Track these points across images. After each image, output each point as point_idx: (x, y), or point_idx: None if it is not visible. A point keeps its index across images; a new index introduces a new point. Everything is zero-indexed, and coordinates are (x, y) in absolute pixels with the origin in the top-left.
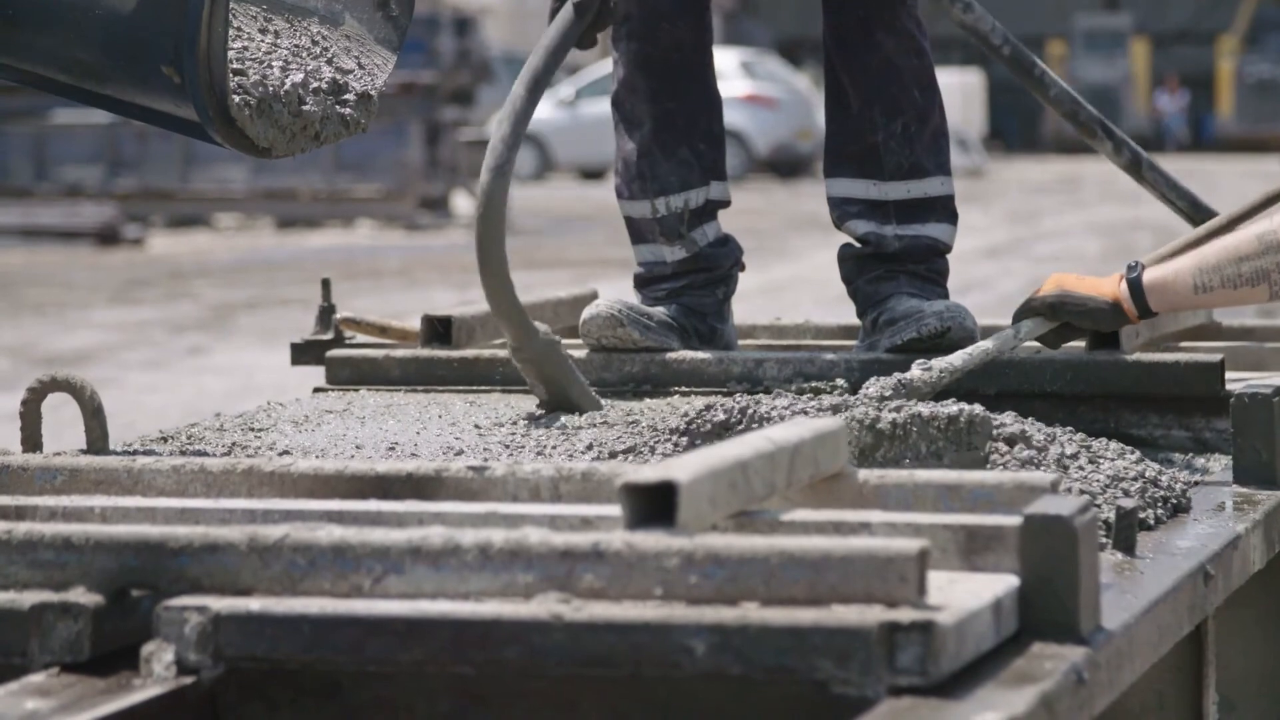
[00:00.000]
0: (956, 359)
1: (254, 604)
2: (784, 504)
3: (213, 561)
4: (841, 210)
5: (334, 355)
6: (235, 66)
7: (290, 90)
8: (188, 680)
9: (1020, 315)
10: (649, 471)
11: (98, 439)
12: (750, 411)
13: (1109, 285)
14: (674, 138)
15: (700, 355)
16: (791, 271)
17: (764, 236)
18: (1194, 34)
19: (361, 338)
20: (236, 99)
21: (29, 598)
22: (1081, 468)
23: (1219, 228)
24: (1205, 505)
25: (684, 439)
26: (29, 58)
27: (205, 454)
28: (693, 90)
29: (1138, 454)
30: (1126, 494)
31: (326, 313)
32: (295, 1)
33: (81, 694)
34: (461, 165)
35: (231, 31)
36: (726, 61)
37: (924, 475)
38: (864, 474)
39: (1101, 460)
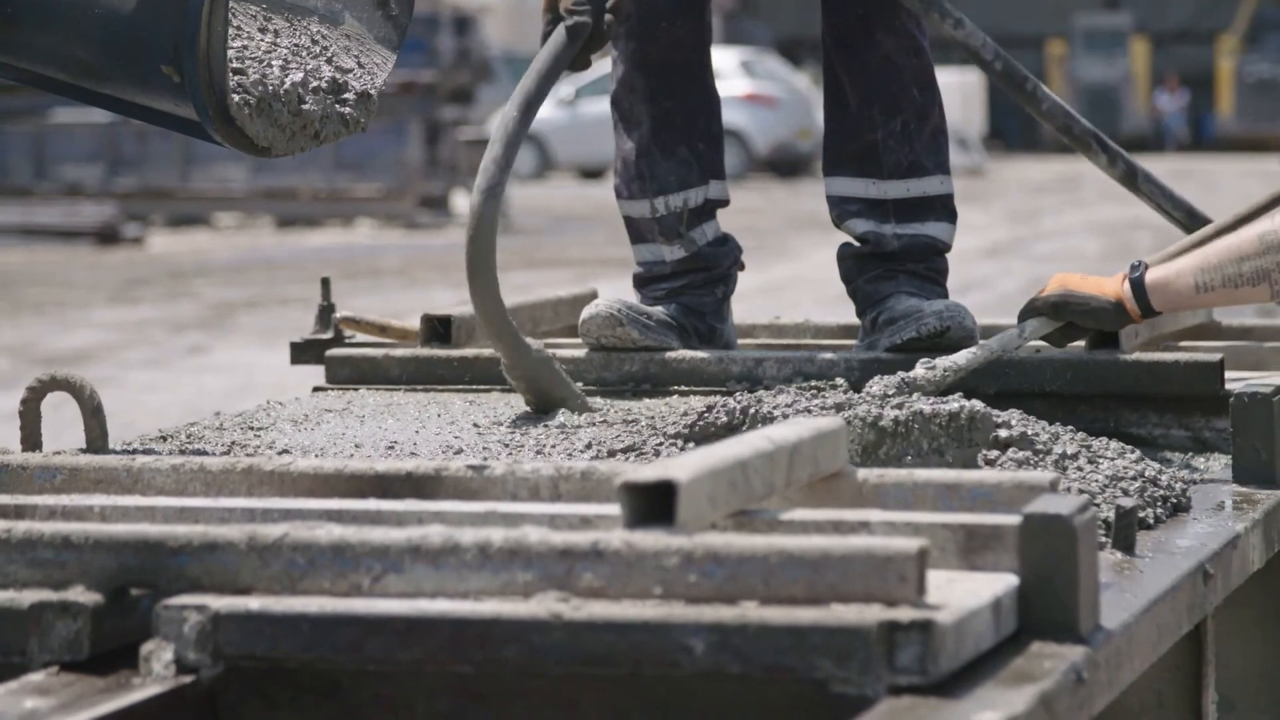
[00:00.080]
0: (960, 358)
1: (253, 603)
2: (783, 503)
3: (212, 560)
4: (841, 209)
5: (333, 354)
6: (235, 65)
7: (290, 89)
8: (187, 679)
9: (1024, 315)
10: (648, 470)
11: (97, 438)
12: (753, 412)
13: (1112, 285)
14: (673, 137)
15: (700, 354)
16: (791, 271)
17: (763, 236)
18: (1194, 33)
19: (361, 337)
20: (236, 98)
21: (28, 596)
22: (1081, 467)
23: (1224, 228)
24: (1205, 504)
25: (688, 445)
26: (28, 56)
27: (205, 453)
28: (691, 90)
29: (1137, 453)
30: (1126, 493)
31: (326, 312)
32: (295, 0)
33: (81, 693)
34: (461, 164)
35: (231, 30)
36: (726, 61)
37: (923, 474)
38: (863, 473)
39: (1101, 459)
